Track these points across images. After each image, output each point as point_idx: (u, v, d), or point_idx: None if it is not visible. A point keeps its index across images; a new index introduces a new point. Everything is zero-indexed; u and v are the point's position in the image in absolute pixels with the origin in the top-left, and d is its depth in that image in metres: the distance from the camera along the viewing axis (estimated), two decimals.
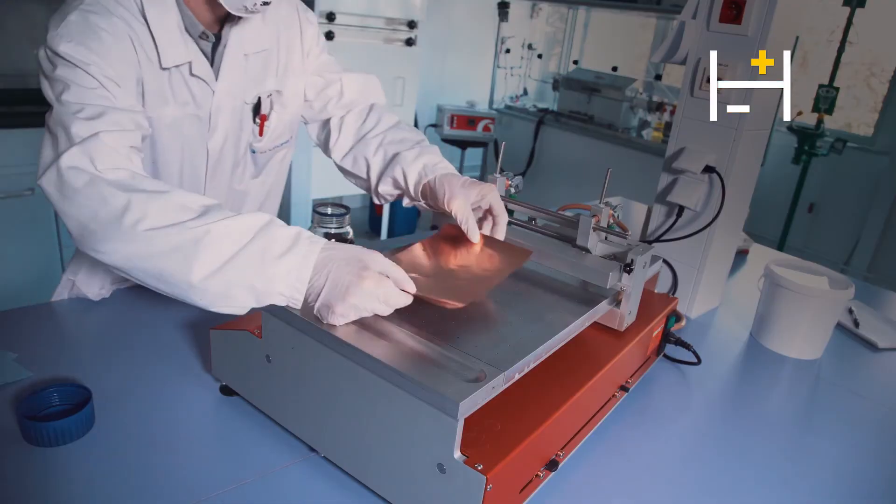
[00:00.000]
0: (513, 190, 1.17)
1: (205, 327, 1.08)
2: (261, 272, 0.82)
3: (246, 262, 0.82)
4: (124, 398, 0.94)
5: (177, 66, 1.08)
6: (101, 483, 0.79)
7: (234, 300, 0.83)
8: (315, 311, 0.81)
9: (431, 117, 5.19)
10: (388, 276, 0.83)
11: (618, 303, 1.02)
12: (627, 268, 0.98)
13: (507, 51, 5.38)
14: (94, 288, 1.24)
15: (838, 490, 0.97)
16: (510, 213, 1.16)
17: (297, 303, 0.83)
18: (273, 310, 0.85)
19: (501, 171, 1.16)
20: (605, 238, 1.05)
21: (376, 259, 0.84)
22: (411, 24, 3.55)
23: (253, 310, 0.86)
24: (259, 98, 1.22)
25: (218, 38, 1.14)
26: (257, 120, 1.24)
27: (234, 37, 1.15)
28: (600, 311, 0.98)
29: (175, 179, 1.17)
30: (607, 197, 1.04)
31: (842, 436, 1.12)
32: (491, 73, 5.51)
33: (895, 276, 4.23)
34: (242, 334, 0.90)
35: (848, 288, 1.34)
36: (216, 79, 1.14)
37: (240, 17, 1.13)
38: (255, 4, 1.04)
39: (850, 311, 1.57)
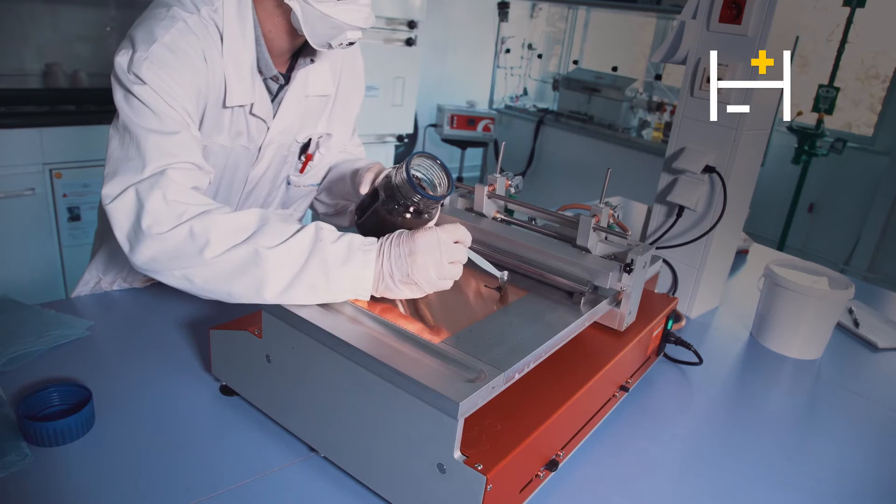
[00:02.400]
0: (513, 190, 1.17)
1: (205, 327, 1.08)
2: (325, 290, 0.87)
3: (308, 283, 0.86)
4: (124, 398, 0.94)
5: (239, 106, 1.10)
6: (101, 483, 0.79)
7: (304, 305, 0.87)
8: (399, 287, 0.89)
9: (431, 117, 5.19)
10: (438, 244, 0.89)
11: (618, 303, 1.02)
12: (627, 268, 0.98)
13: (507, 51, 5.38)
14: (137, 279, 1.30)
15: (838, 490, 0.97)
16: (510, 213, 1.16)
17: (365, 297, 0.90)
18: (273, 310, 0.85)
19: (501, 171, 1.16)
20: (605, 238, 1.05)
21: (422, 237, 0.89)
22: (411, 24, 3.55)
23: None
24: (310, 138, 1.26)
25: (287, 79, 1.16)
26: (302, 158, 1.27)
27: (298, 77, 1.16)
28: (600, 311, 0.98)
29: (209, 196, 1.18)
30: (607, 197, 1.04)
31: (842, 436, 1.12)
32: (491, 73, 5.51)
33: (895, 276, 4.23)
34: (242, 334, 0.90)
35: (848, 288, 1.34)
36: (273, 116, 1.16)
37: (311, 60, 1.16)
38: (341, 44, 1.04)
39: (850, 311, 1.57)
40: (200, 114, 1.05)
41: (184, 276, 0.89)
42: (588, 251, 1.04)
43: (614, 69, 4.88)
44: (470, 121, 4.99)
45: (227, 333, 0.93)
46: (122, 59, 0.96)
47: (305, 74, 1.17)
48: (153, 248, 0.89)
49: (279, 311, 0.84)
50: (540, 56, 5.62)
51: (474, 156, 5.52)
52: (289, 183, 1.30)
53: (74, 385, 0.91)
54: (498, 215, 1.16)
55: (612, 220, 1.05)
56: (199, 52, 1.00)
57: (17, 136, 2.54)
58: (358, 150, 1.42)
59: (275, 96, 1.16)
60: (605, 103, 4.67)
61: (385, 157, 3.81)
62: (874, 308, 1.65)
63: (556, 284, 1.00)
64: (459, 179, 5.29)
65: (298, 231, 0.89)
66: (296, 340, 0.82)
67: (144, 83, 0.95)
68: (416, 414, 0.70)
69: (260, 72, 1.11)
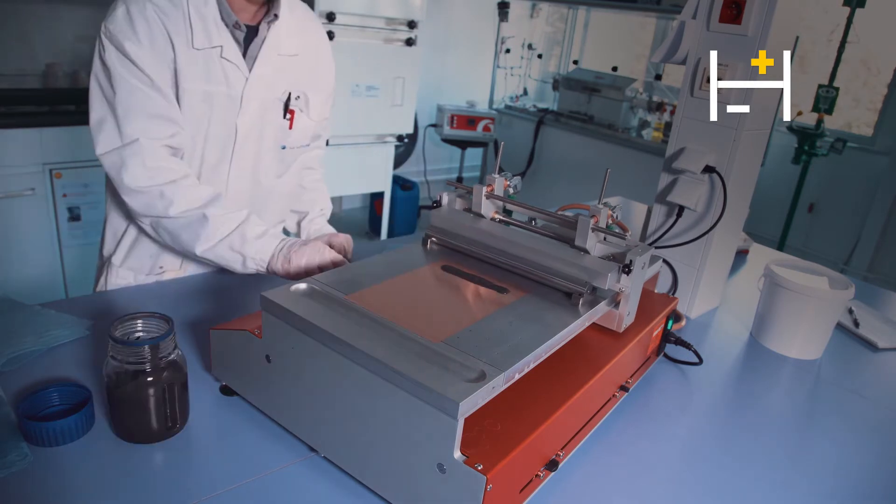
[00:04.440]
0: (511, 190, 1.17)
1: (205, 327, 1.08)
2: (239, 251, 1.20)
3: (229, 244, 1.20)
4: None
5: (209, 49, 1.21)
6: (101, 483, 0.79)
7: (220, 261, 1.22)
8: (279, 265, 1.19)
9: (431, 117, 5.19)
10: (321, 250, 1.19)
11: (616, 304, 1.02)
12: (626, 269, 0.98)
13: (507, 51, 5.38)
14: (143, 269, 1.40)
15: (838, 490, 0.97)
16: (509, 213, 1.17)
17: (262, 266, 1.21)
18: (273, 310, 0.85)
19: (500, 171, 1.16)
20: (604, 239, 1.05)
21: (312, 244, 1.20)
22: (411, 24, 3.55)
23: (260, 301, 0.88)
24: (290, 94, 1.35)
25: (252, 31, 1.28)
26: (287, 116, 1.36)
27: (271, 35, 1.29)
28: (599, 311, 0.98)
29: (199, 151, 1.28)
30: (606, 197, 1.04)
31: (842, 436, 1.12)
32: (491, 73, 5.51)
33: (895, 276, 4.23)
34: (242, 334, 0.90)
35: (848, 288, 1.34)
36: (251, 68, 1.27)
37: (276, 15, 1.28)
38: None
39: (850, 311, 1.57)
40: (170, 63, 1.19)
41: (151, 225, 1.23)
42: (587, 252, 1.03)
43: (614, 69, 4.88)
44: (470, 121, 4.99)
45: (227, 333, 0.93)
46: (106, 22, 1.15)
47: (276, 34, 1.29)
48: (132, 197, 1.19)
49: (279, 311, 0.84)
50: (540, 56, 5.62)
51: (474, 156, 5.52)
52: (283, 147, 1.39)
53: (74, 385, 0.91)
54: (496, 216, 1.16)
55: (611, 221, 1.04)
56: (155, 10, 1.15)
57: (17, 136, 2.54)
58: (317, 151, 1.54)
59: (246, 50, 1.27)
60: (605, 103, 4.67)
61: (385, 156, 3.81)
62: (874, 308, 1.65)
63: (554, 285, 1.00)
64: (459, 179, 5.29)
65: (237, 211, 1.21)
66: (296, 340, 0.82)
67: (115, 48, 1.14)
68: (416, 414, 0.70)
69: (224, 23, 1.23)
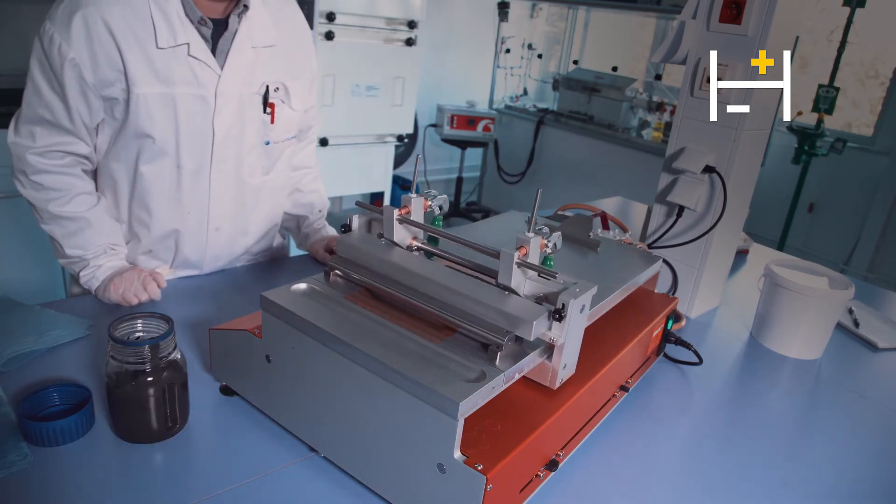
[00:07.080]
0: (437, 211, 0.94)
1: (205, 327, 1.08)
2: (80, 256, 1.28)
3: (73, 243, 1.27)
4: None
5: (174, 47, 1.16)
6: (101, 483, 0.79)
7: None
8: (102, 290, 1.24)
9: (431, 117, 5.19)
10: (138, 276, 1.23)
11: (549, 355, 0.83)
12: (557, 315, 0.77)
13: (507, 51, 5.38)
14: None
15: (838, 490, 0.97)
16: (435, 241, 0.98)
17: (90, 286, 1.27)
18: (273, 310, 0.85)
19: (421, 189, 0.95)
20: (539, 274, 0.82)
21: (129, 270, 1.25)
22: (411, 24, 3.55)
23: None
24: (267, 87, 1.29)
25: (222, 25, 1.22)
26: (268, 110, 1.31)
27: (243, 27, 1.23)
28: (527, 365, 0.79)
29: (172, 157, 1.23)
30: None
31: (841, 436, 1.12)
32: (491, 73, 5.51)
33: (895, 276, 4.23)
34: (242, 334, 0.90)
35: (848, 288, 1.34)
36: (222, 65, 1.22)
37: (246, 6, 1.21)
38: None
39: (850, 311, 1.57)
40: (118, 71, 1.13)
41: (26, 196, 1.26)
42: (514, 292, 0.81)
43: (614, 69, 4.88)
44: (470, 121, 4.98)
45: (226, 333, 0.93)
46: (47, 18, 1.11)
47: (248, 26, 1.23)
48: (22, 180, 1.24)
49: (279, 311, 0.84)
50: (540, 56, 5.62)
51: (474, 156, 5.51)
52: (267, 143, 1.34)
53: (74, 385, 0.91)
54: (414, 243, 0.94)
55: (548, 252, 0.84)
56: (101, 15, 1.09)
57: None
58: (310, 147, 1.53)
59: (215, 46, 1.21)
60: (605, 103, 4.67)
61: (385, 156, 3.80)
62: (874, 308, 1.65)
63: (467, 334, 0.81)
64: (459, 180, 5.30)
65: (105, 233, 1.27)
66: (296, 340, 0.82)
67: (46, 54, 1.11)
68: (416, 414, 0.70)
69: (189, 19, 1.17)
